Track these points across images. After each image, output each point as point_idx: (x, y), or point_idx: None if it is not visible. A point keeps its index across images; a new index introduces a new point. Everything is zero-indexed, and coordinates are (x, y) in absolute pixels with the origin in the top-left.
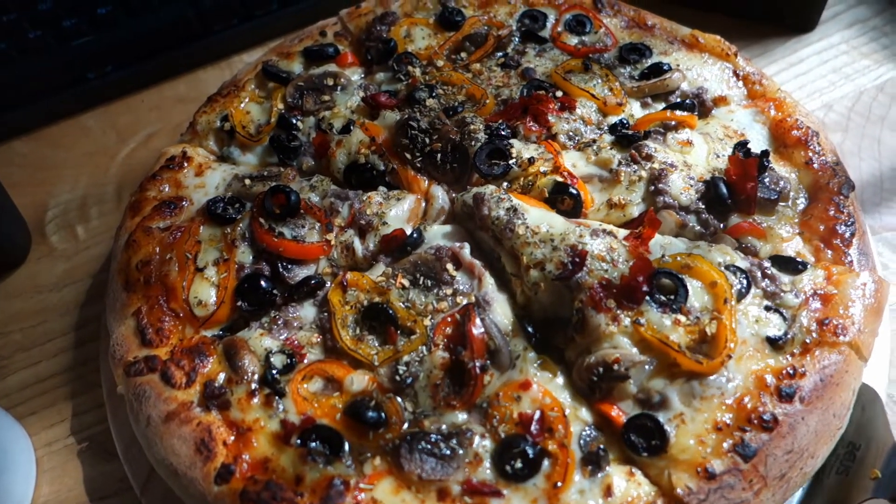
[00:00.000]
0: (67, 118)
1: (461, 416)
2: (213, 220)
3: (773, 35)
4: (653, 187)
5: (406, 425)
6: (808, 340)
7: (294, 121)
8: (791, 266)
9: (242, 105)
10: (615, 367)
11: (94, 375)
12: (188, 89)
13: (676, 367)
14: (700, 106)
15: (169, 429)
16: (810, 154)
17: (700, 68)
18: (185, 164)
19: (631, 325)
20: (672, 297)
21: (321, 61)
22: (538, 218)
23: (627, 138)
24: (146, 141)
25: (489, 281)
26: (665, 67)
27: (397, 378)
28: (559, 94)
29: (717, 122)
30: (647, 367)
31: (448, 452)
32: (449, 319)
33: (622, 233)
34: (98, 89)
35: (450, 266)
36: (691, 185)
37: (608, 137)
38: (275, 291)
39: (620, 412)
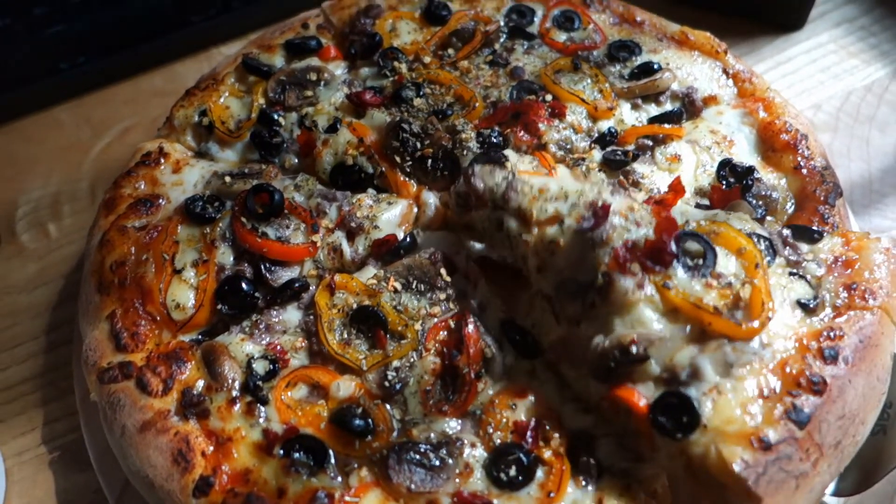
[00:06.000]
0: (39, 111)
1: (452, 424)
2: (191, 220)
3: (762, 33)
4: None
5: (394, 434)
6: (838, 303)
7: (276, 116)
8: (808, 235)
9: (222, 99)
10: (632, 348)
11: (66, 381)
12: (165, 82)
13: (707, 335)
14: (690, 106)
15: (144, 439)
16: (799, 159)
17: (690, 66)
18: (162, 161)
19: (658, 290)
20: (700, 261)
21: (303, 55)
22: (542, 181)
23: (616, 162)
24: (121, 135)
25: (484, 287)
26: (655, 67)
27: (386, 384)
28: (549, 97)
29: (706, 125)
30: (668, 343)
31: (438, 463)
32: (441, 325)
33: (640, 197)
34: (71, 81)
35: (443, 271)
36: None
37: (597, 155)
38: (257, 294)
39: (642, 396)
